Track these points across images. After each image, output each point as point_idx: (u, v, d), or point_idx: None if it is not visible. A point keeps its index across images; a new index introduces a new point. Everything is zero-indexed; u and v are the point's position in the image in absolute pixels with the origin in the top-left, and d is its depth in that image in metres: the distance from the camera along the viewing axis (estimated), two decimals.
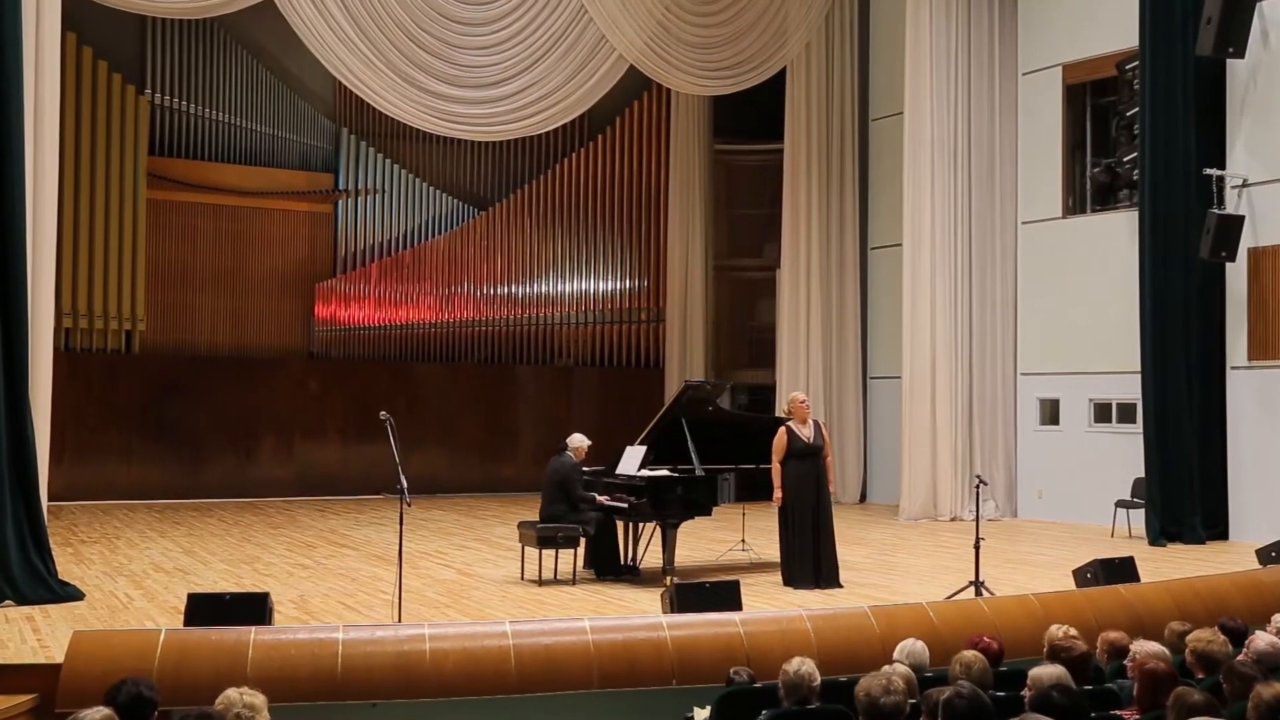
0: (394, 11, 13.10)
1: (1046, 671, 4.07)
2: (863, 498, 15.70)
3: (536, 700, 5.62)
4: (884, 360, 15.53)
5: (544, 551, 8.62)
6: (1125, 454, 12.30)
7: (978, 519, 8.46)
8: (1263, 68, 11.48)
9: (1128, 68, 12.67)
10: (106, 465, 14.79)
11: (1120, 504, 11.91)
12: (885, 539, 11.75)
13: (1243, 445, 11.59)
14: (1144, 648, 4.57)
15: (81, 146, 14.62)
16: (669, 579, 7.92)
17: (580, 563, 8.94)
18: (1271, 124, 11.42)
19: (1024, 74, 14.17)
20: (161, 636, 5.46)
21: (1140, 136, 11.97)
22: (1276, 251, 11.42)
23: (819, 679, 4.16)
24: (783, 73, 15.42)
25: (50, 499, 8.47)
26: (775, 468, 8.57)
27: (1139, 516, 11.73)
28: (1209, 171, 11.57)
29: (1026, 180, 14.10)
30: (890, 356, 15.03)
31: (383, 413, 6.93)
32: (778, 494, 8.55)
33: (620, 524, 9.00)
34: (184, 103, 15.61)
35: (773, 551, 9.06)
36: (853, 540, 11.17)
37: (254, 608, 6.11)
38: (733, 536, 10.32)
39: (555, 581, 8.56)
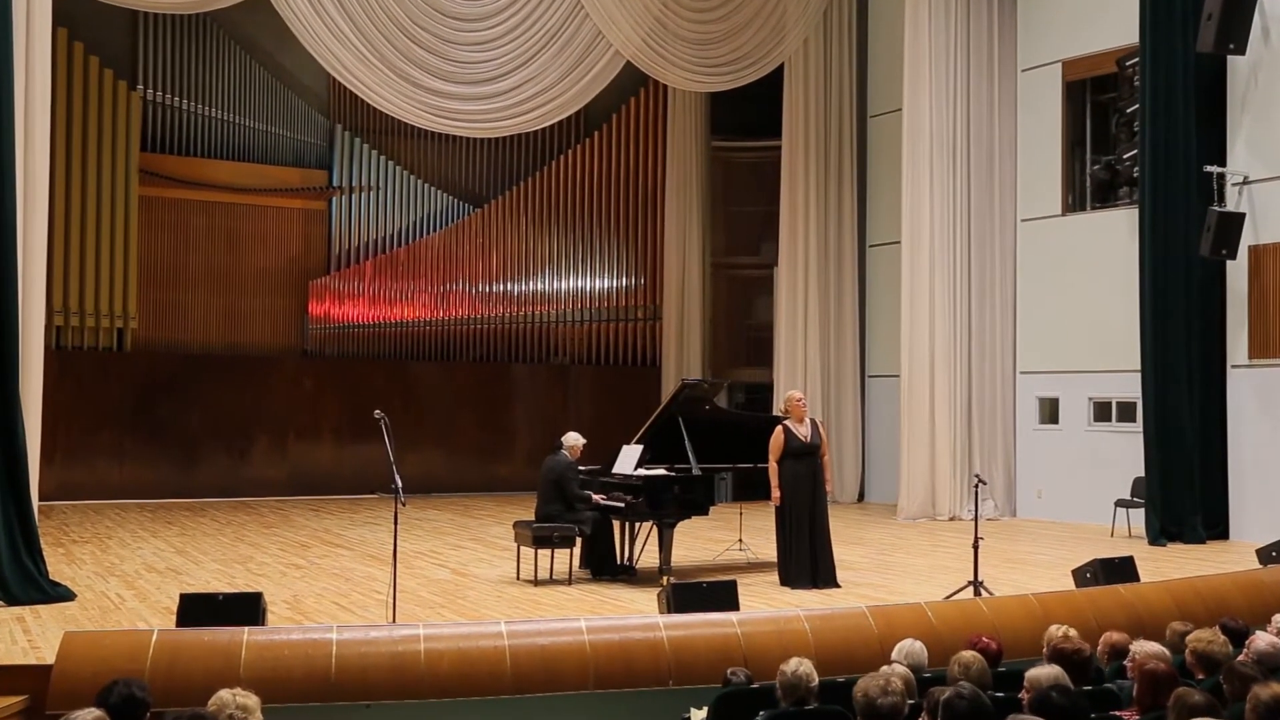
0: (389, 7, 13.02)
1: (1044, 672, 4.04)
2: (861, 497, 15.66)
3: (532, 701, 5.58)
4: (882, 359, 15.48)
5: (540, 551, 8.58)
6: (1125, 453, 12.27)
7: (976, 518, 8.42)
8: (1264, 64, 11.45)
9: (1128, 64, 12.63)
10: (98, 464, 14.71)
11: (1120, 503, 11.88)
12: (883, 539, 11.73)
13: (1243, 444, 11.56)
14: (1143, 648, 4.55)
15: (73, 143, 14.54)
16: (666, 579, 7.88)
17: (576, 563, 8.90)
18: (1272, 121, 11.39)
19: (1023, 70, 14.12)
20: (154, 637, 5.43)
21: (1140, 133, 11.94)
22: (1277, 249, 11.39)
23: (817, 679, 4.16)
24: (780, 69, 15.37)
25: (41, 499, 8.43)
26: (772, 467, 8.52)
27: (1139, 516, 11.70)
28: (1209, 169, 11.54)
29: (1026, 177, 14.05)
30: (888, 355, 14.99)
31: (377, 411, 6.90)
32: (775, 493, 8.50)
33: (617, 523, 8.96)
34: (176, 99, 15.52)
35: (770, 551, 9.03)
36: (851, 540, 11.15)
37: (247, 608, 6.08)
38: (730, 536, 10.29)
39: (551, 581, 8.52)
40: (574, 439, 8.95)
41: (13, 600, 7.32)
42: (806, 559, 8.43)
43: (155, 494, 14.78)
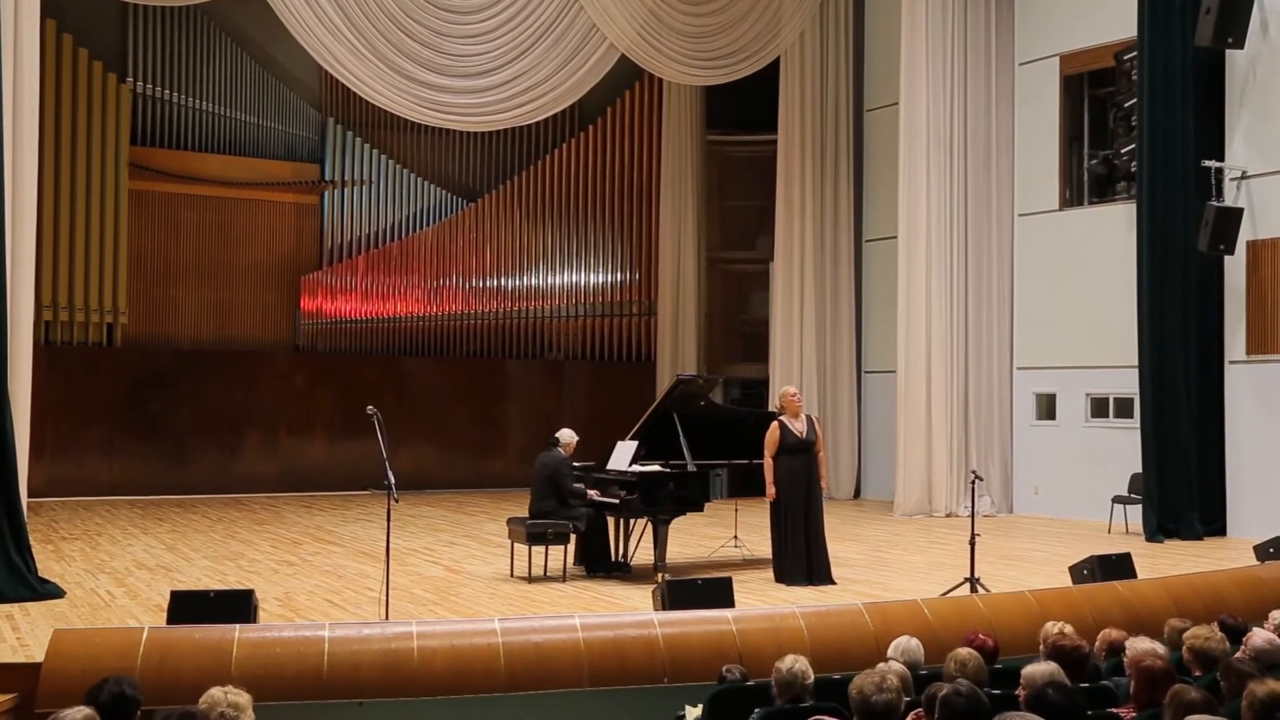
0: None
1: (1040, 669, 4.04)
2: (857, 493, 15.63)
3: (526, 699, 5.57)
4: (878, 354, 15.44)
5: (534, 548, 8.54)
6: (1122, 449, 12.24)
7: (973, 515, 8.37)
8: (1262, 58, 11.41)
9: (1126, 58, 12.59)
10: (88, 460, 14.63)
11: (1117, 500, 11.87)
12: (880, 535, 11.71)
13: (1241, 440, 11.54)
14: (1138, 645, 4.53)
15: (62, 136, 14.43)
16: (660, 576, 7.87)
17: (570, 559, 8.87)
18: (1271, 116, 11.36)
19: (1021, 64, 14.08)
20: (144, 635, 5.40)
21: (1138, 128, 11.90)
22: (1275, 245, 11.35)
23: (812, 677, 4.15)
24: (776, 62, 15.30)
25: (30, 495, 8.42)
26: (767, 463, 8.51)
27: (1136, 512, 11.68)
28: (1207, 163, 11.52)
29: (1023, 172, 14.01)
30: (885, 350, 14.96)
31: (370, 407, 6.88)
32: (770, 489, 8.47)
33: (611, 520, 8.93)
34: (167, 91, 15.42)
35: (766, 548, 9.01)
36: (847, 536, 11.14)
37: (238, 605, 6.03)
38: (725, 533, 10.26)
39: (545, 578, 8.48)
40: (569, 435, 8.93)
41: (1, 598, 7.27)
42: (801, 556, 8.42)
43: (146, 490, 14.72)
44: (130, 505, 13.76)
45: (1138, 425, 11.87)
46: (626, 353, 17.44)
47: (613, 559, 8.89)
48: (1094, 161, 13.52)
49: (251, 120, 15.92)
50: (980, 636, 4.81)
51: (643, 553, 8.98)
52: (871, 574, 9.05)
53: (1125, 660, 4.53)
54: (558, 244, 17.32)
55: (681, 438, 8.73)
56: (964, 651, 4.34)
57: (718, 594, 6.62)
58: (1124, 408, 12.71)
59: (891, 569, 9.38)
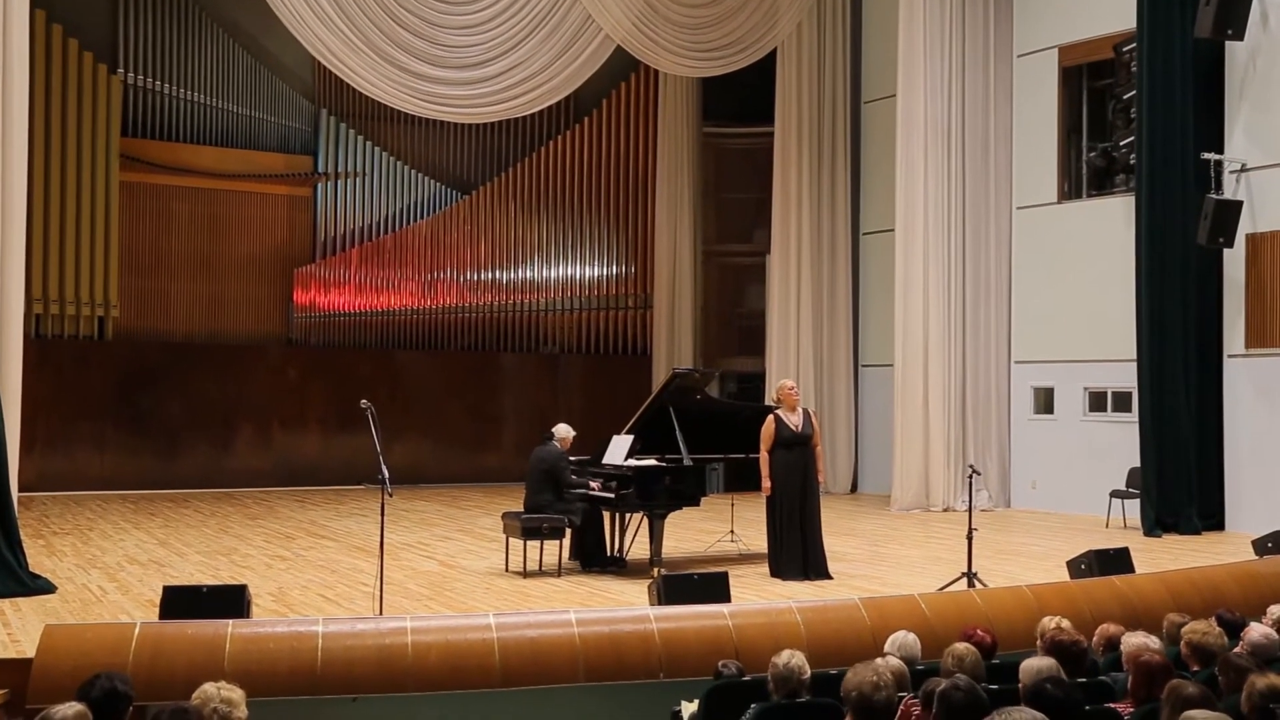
0: None
1: (1038, 664, 4.04)
2: (854, 488, 15.62)
3: (521, 694, 5.55)
4: (876, 348, 15.41)
5: (528, 543, 8.51)
6: (1120, 443, 12.22)
7: (970, 509, 8.34)
8: (1262, 50, 11.37)
9: (1125, 50, 12.54)
10: (79, 455, 14.55)
11: (1115, 494, 11.84)
12: (876, 530, 11.70)
13: (1240, 435, 11.52)
14: (1132, 639, 4.53)
15: (52, 128, 14.32)
16: (656, 571, 7.85)
17: (566, 554, 8.83)
18: (1271, 108, 11.32)
19: (1019, 56, 14.03)
20: (136, 630, 5.38)
21: (1137, 120, 11.87)
22: (1275, 237, 11.32)
23: (809, 672, 4.15)
24: (773, 54, 15.24)
25: (21, 489, 8.38)
26: (763, 457, 8.50)
27: (1134, 507, 11.66)
28: (1207, 156, 11.50)
29: (1021, 165, 13.97)
30: (882, 344, 14.93)
31: (363, 401, 6.87)
32: (765, 484, 8.45)
33: (607, 515, 8.90)
34: (158, 83, 15.31)
35: (762, 543, 8.99)
36: (843, 531, 11.13)
37: (231, 600, 6.01)
38: (721, 527, 10.24)
39: (540, 573, 8.46)
40: (565, 430, 8.91)
41: None
42: (797, 550, 8.40)
43: (137, 485, 14.64)
44: (122, 500, 13.71)
45: (1136, 419, 11.84)
46: (622, 346, 17.38)
47: (608, 554, 8.86)
48: (1093, 154, 13.47)
49: (244, 112, 15.82)
50: (978, 632, 4.79)
51: (638, 547, 8.94)
52: (868, 569, 9.05)
53: (1123, 655, 4.52)
54: (553, 237, 17.24)
55: (677, 432, 8.70)
56: (961, 647, 4.33)
57: (714, 589, 6.59)
58: (1122, 402, 12.68)
59: (888, 564, 9.37)
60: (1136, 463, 11.71)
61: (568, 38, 13.77)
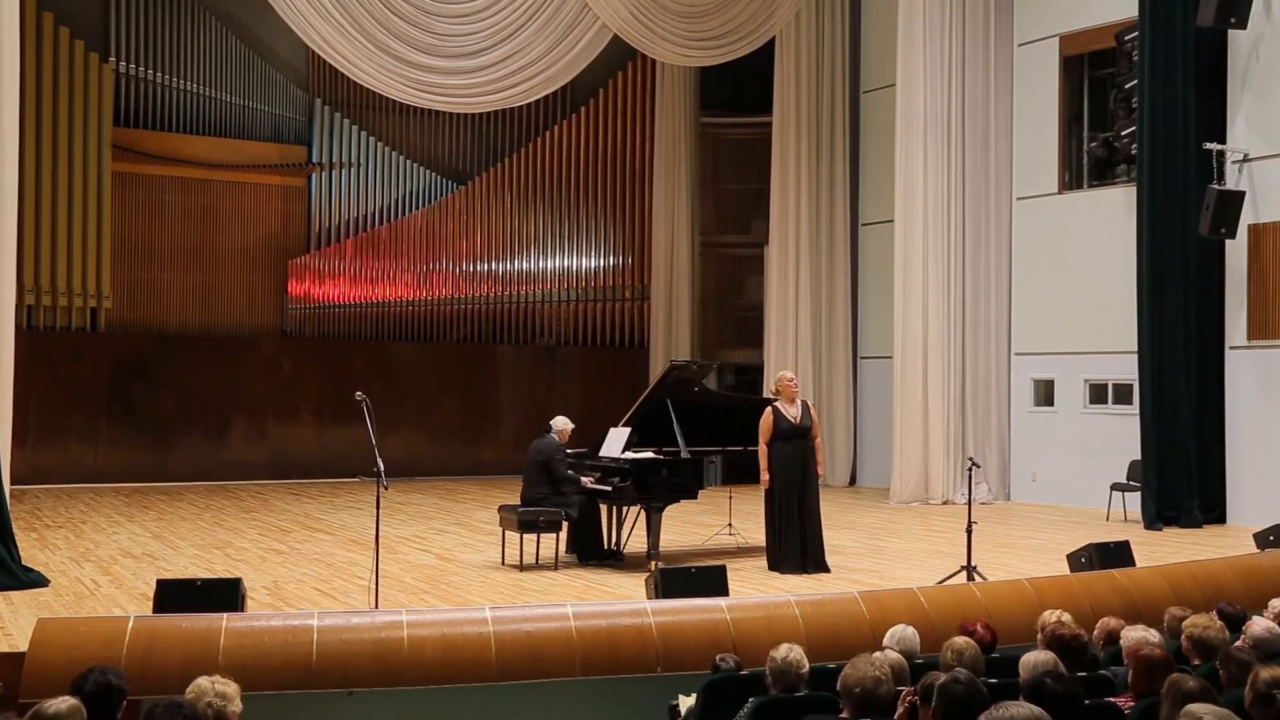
0: None
1: (1037, 658, 4.03)
2: (852, 480, 15.58)
3: (518, 688, 5.54)
4: (875, 340, 15.35)
5: (525, 536, 8.49)
6: (1121, 436, 12.18)
7: (970, 502, 8.30)
8: (1265, 39, 11.30)
9: (1127, 39, 12.46)
10: (72, 447, 14.48)
11: (1116, 487, 11.82)
12: (875, 523, 11.66)
13: (1241, 427, 11.48)
14: (1131, 633, 4.52)
15: (43, 117, 14.22)
16: (654, 564, 7.81)
17: (562, 547, 8.83)
18: (1273, 97, 11.27)
19: (1020, 45, 13.94)
20: (130, 624, 5.35)
21: (1139, 110, 11.82)
22: (1277, 228, 11.30)
23: (807, 666, 4.14)
24: (771, 43, 15.16)
25: (13, 482, 8.39)
26: (762, 449, 8.47)
27: (1135, 500, 11.63)
28: (1209, 146, 11.43)
29: (1022, 155, 13.89)
30: (881, 336, 14.87)
31: (358, 393, 6.84)
32: (764, 476, 8.41)
33: (604, 508, 8.87)
34: (150, 72, 15.20)
35: (760, 536, 8.96)
36: (842, 524, 11.10)
37: (226, 594, 5.98)
38: (719, 520, 10.21)
39: (537, 566, 8.44)
40: (563, 423, 8.89)
41: None
42: (796, 543, 8.37)
43: (130, 477, 14.58)
44: (115, 493, 13.65)
45: (1137, 411, 11.81)
46: (619, 338, 17.31)
47: (605, 547, 8.84)
48: (1094, 144, 13.41)
49: (237, 101, 15.72)
50: (976, 627, 4.76)
51: (636, 541, 8.91)
52: (867, 562, 9.02)
53: (1123, 649, 4.49)
54: (549, 228, 17.16)
55: (675, 424, 8.67)
56: (960, 640, 4.32)
57: (712, 582, 6.57)
58: (1123, 394, 12.63)
59: (887, 557, 9.34)
60: (1137, 455, 11.67)
61: (564, 26, 13.68)
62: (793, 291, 15.26)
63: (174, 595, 5.92)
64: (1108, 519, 11.64)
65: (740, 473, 9.04)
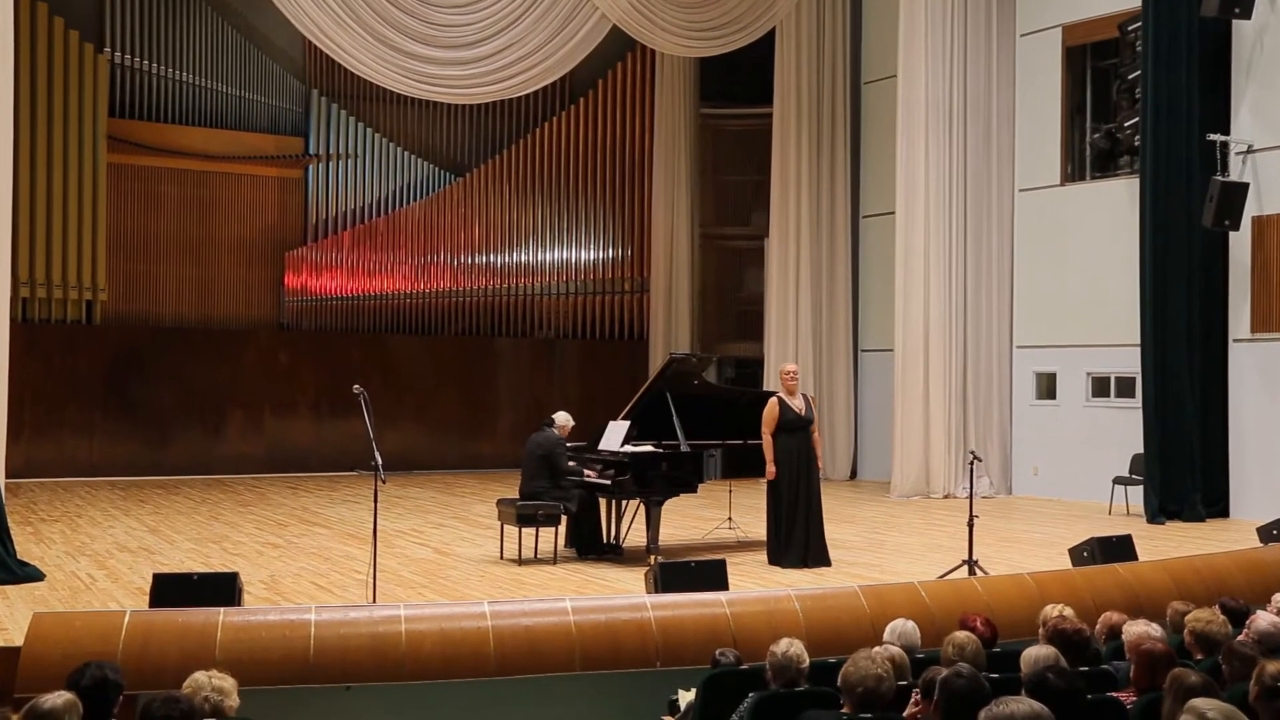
0: None
1: (1039, 652, 4.02)
2: (853, 474, 15.55)
3: (516, 683, 5.53)
4: (876, 332, 15.30)
5: (524, 530, 8.46)
6: (1124, 429, 12.15)
7: (971, 496, 8.27)
8: (1270, 29, 11.24)
9: (1130, 29, 12.40)
10: (67, 441, 14.41)
11: (1118, 480, 11.81)
12: (876, 517, 11.64)
13: (1245, 420, 11.44)
14: (1135, 628, 4.49)
15: (38, 108, 14.13)
16: (653, 558, 7.81)
17: (561, 541, 8.78)
18: (1278, 88, 11.24)
19: (1022, 35, 13.88)
20: (126, 618, 5.34)
21: (1142, 101, 11.77)
22: None
23: (807, 660, 4.15)
24: (772, 33, 15.09)
25: (8, 476, 8.34)
26: (766, 440, 8.43)
27: (1137, 493, 11.61)
28: (1213, 137, 11.38)
29: (1024, 146, 13.83)
30: (882, 328, 14.83)
31: (356, 386, 6.81)
32: (770, 467, 8.36)
33: (603, 502, 8.83)
34: (146, 62, 15.10)
35: (760, 530, 8.95)
36: (843, 518, 11.09)
37: (222, 588, 5.96)
38: (719, 514, 10.20)
39: (535, 561, 8.41)
40: (565, 419, 8.89)
41: None
42: (799, 537, 8.33)
43: (126, 471, 14.52)
44: (111, 486, 13.60)
45: (1139, 405, 11.77)
46: (618, 331, 17.26)
47: (604, 541, 8.81)
48: (1096, 135, 13.35)
49: (233, 92, 15.62)
50: (977, 622, 4.74)
51: (635, 535, 8.88)
52: (868, 556, 9.00)
53: (1125, 644, 4.48)
54: (548, 220, 17.08)
55: (675, 418, 8.64)
56: (961, 635, 4.31)
57: (711, 576, 6.53)
58: (1125, 387, 12.59)
59: (888, 551, 9.32)
60: (1140, 449, 11.64)
61: (562, 17, 13.60)
62: (793, 284, 15.20)
63: (170, 589, 5.90)
64: (1110, 513, 11.63)
65: (740, 466, 8.96)
